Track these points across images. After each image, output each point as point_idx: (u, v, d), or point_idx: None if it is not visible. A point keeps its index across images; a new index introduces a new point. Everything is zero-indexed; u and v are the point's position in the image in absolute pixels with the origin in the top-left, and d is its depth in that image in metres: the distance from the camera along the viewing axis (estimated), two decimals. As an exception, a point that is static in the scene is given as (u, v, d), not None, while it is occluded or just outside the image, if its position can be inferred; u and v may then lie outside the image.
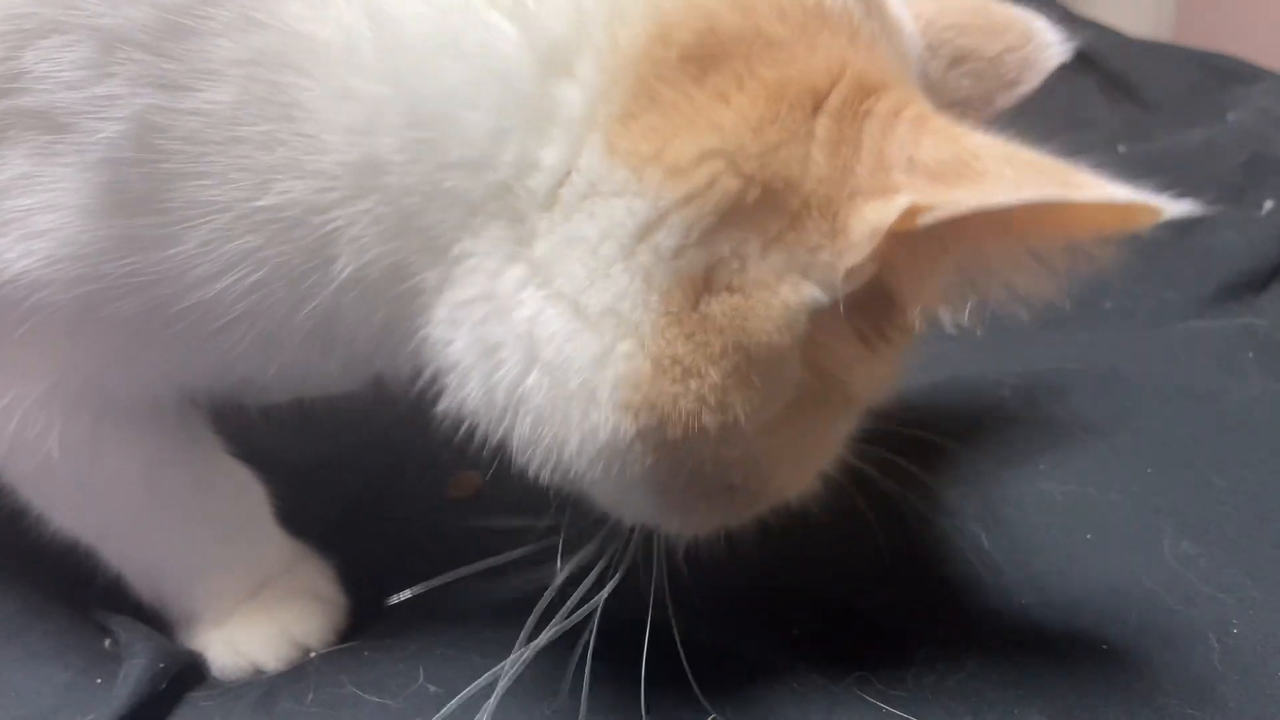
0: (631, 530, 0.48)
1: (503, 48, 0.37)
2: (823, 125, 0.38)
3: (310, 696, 0.51)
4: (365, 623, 0.56)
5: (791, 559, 0.56)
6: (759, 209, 0.38)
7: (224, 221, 0.38)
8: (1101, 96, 1.14)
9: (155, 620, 0.55)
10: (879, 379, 0.44)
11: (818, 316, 0.39)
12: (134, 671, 0.50)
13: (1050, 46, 0.52)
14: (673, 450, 0.39)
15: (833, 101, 0.38)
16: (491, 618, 0.55)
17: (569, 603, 0.48)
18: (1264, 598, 0.50)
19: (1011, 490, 0.59)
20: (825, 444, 0.46)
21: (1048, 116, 1.11)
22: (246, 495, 0.55)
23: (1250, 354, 0.67)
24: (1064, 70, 1.20)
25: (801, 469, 0.45)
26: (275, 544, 0.57)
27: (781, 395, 0.40)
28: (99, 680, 0.53)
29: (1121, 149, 0.92)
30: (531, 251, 0.38)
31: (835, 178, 0.37)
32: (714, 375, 0.38)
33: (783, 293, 0.38)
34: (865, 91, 0.38)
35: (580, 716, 0.48)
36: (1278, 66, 1.15)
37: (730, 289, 0.38)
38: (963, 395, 0.67)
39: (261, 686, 0.53)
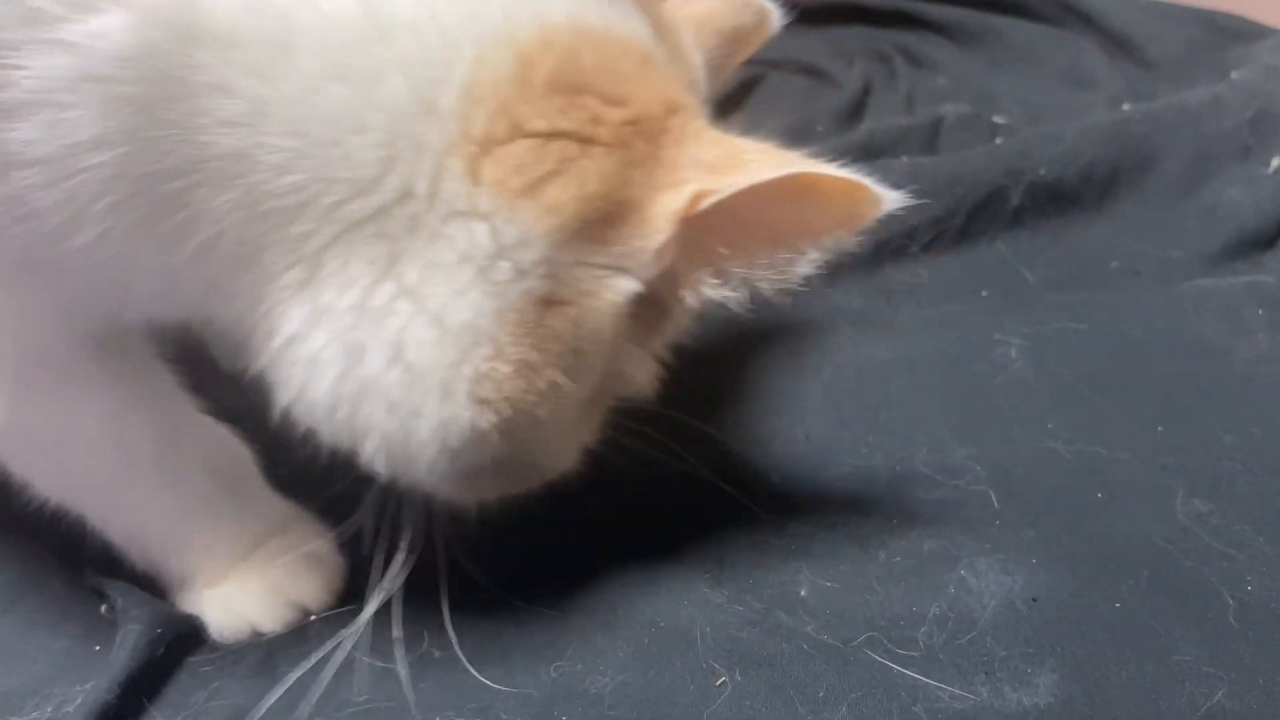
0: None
1: (387, 78, 0.40)
2: (639, 146, 0.43)
3: (313, 660, 0.51)
4: (366, 586, 0.55)
5: (799, 520, 0.56)
6: (595, 225, 0.43)
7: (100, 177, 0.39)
8: (1103, 56, 1.12)
9: (152, 585, 0.55)
10: (649, 374, 0.51)
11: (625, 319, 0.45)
12: (131, 636, 0.49)
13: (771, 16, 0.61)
14: (510, 437, 0.44)
15: (646, 124, 0.43)
16: (492, 584, 0.54)
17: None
18: (1277, 554, 0.50)
19: (1019, 450, 0.58)
20: (594, 423, 0.51)
21: (1050, 78, 1.11)
22: (227, 454, 0.54)
23: (1259, 311, 0.66)
24: (1065, 31, 1.20)
25: (576, 445, 0.50)
26: (265, 504, 0.56)
27: (591, 384, 0.47)
28: (97, 647, 0.52)
29: (1126, 107, 0.91)
30: (401, 271, 0.42)
31: (645, 185, 0.43)
32: (554, 374, 0.43)
33: (608, 294, 0.44)
34: (668, 113, 0.44)
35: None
36: (1280, 24, 1.14)
37: (567, 301, 0.43)
38: (969, 354, 0.66)
39: (262, 649, 0.52)
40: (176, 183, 0.39)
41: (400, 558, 0.52)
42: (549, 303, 0.43)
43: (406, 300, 0.42)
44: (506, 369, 0.42)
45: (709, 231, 0.43)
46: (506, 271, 0.42)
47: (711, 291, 0.45)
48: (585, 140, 0.42)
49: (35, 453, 0.50)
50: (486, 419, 0.43)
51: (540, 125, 0.41)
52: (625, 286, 0.44)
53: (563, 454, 0.49)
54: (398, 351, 0.42)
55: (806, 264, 0.45)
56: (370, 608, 0.50)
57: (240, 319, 0.45)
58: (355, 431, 0.44)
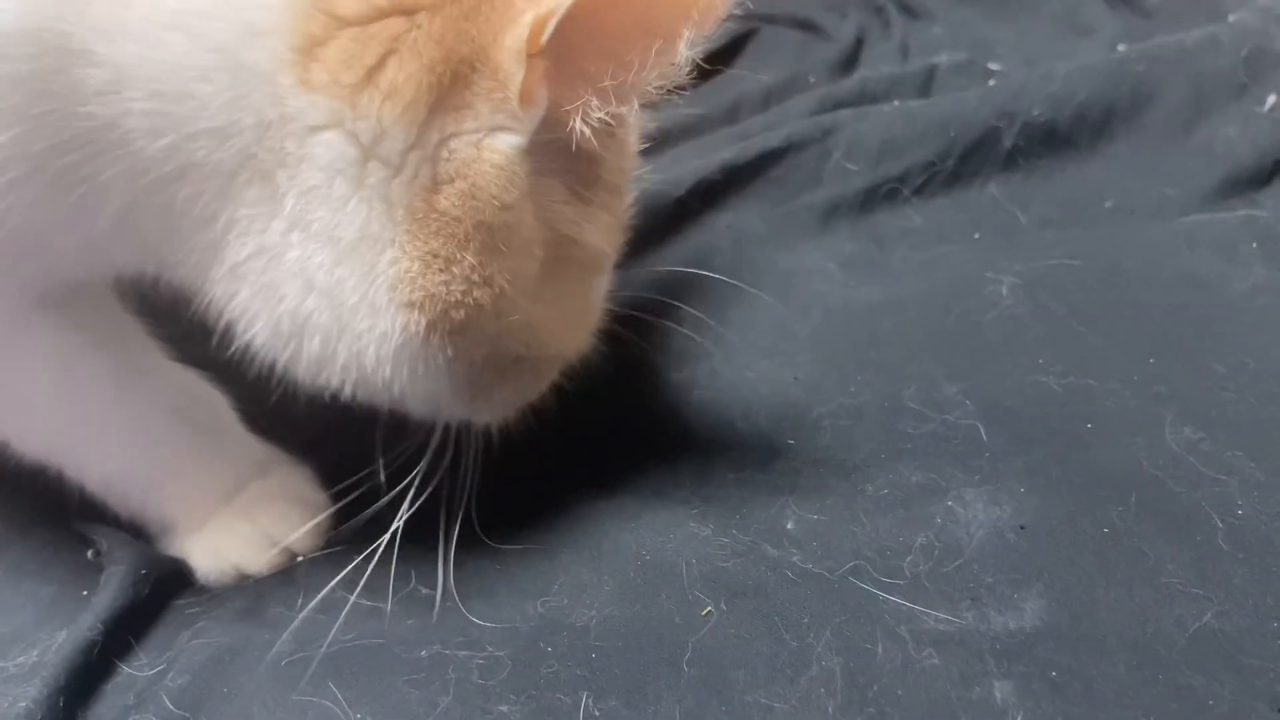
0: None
1: (212, 14, 0.39)
2: None
3: (300, 601, 0.51)
4: (353, 529, 0.55)
5: (786, 457, 0.55)
6: (449, 92, 0.41)
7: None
8: (1101, 3, 1.11)
9: (139, 532, 0.55)
10: (608, 230, 0.49)
11: (534, 179, 0.43)
12: (115, 577, 0.49)
13: None
14: (463, 334, 0.43)
15: None
16: (480, 523, 0.54)
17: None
18: (1268, 479, 0.49)
19: (1010, 384, 0.58)
20: (587, 301, 0.51)
21: (1046, 25, 1.09)
22: (197, 399, 0.54)
23: (1253, 244, 0.65)
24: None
25: (573, 327, 0.50)
26: (243, 447, 0.56)
27: (531, 256, 0.45)
28: (84, 592, 0.52)
29: (1121, 48, 0.90)
30: (284, 204, 0.41)
31: (484, 33, 0.41)
32: (470, 256, 0.42)
33: (490, 156, 0.42)
34: None
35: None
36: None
37: (453, 178, 0.42)
38: (960, 293, 0.65)
39: (249, 592, 0.52)
40: (70, 157, 0.39)
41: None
42: (435, 187, 0.41)
43: (296, 231, 0.41)
44: (415, 266, 0.41)
45: (573, 54, 0.41)
46: (377, 171, 0.41)
47: (601, 113, 0.42)
48: (407, 10, 0.41)
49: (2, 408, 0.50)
50: (418, 322, 0.42)
51: (355, 10, 0.40)
52: (505, 143, 0.42)
53: (554, 336, 0.48)
54: (307, 282, 0.42)
55: (686, 55, 0.41)
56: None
57: (183, 282, 0.45)
58: (315, 369, 0.44)
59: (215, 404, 0.55)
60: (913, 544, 0.48)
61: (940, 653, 0.43)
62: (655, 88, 0.43)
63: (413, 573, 0.51)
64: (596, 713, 0.43)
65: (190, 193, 0.41)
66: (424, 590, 0.51)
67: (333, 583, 0.51)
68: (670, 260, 0.73)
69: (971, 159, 0.78)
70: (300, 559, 0.54)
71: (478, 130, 0.42)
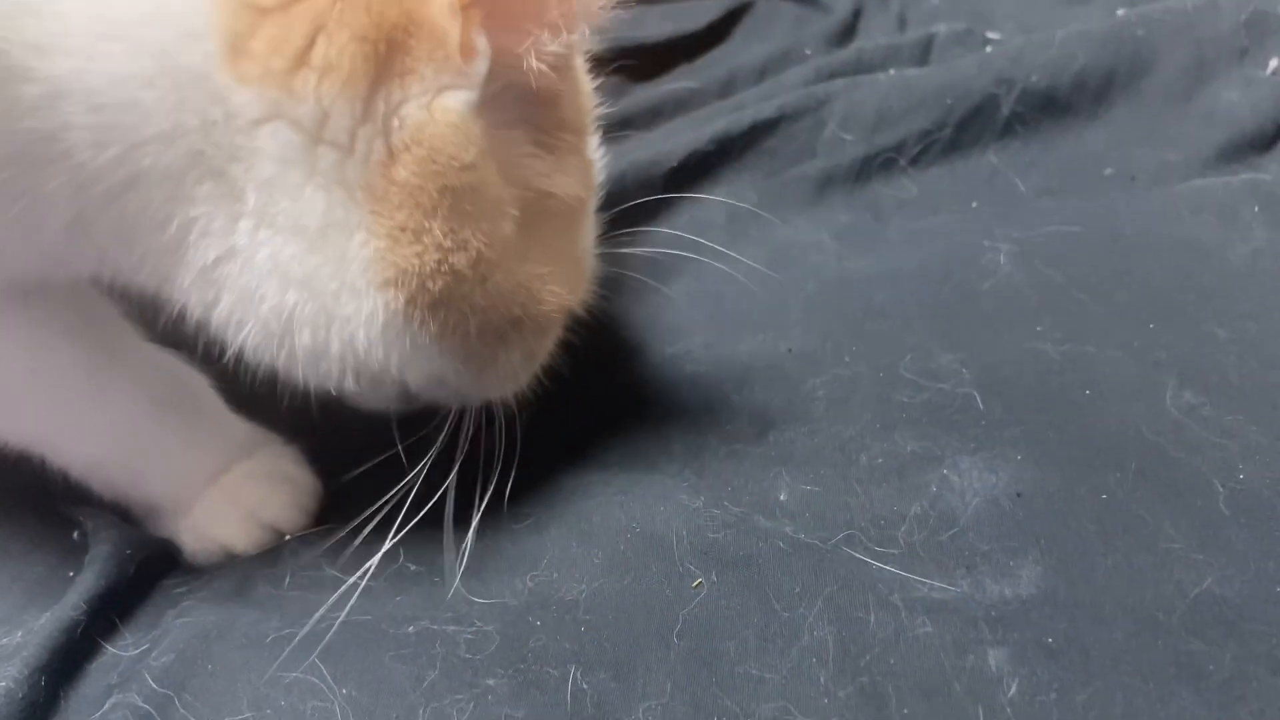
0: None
1: (148, 21, 0.39)
2: None
3: (287, 580, 0.50)
4: (340, 507, 0.55)
5: (780, 428, 0.54)
6: (388, 60, 0.40)
7: None
8: (1100, -30, 1.09)
9: (126, 515, 0.54)
10: (579, 173, 0.48)
11: (493, 134, 0.42)
12: (99, 557, 0.49)
13: None
14: (446, 304, 0.42)
15: None
16: (468, 500, 0.53)
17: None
18: (1270, 443, 0.48)
19: (1008, 353, 0.57)
20: (575, 249, 0.50)
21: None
22: (177, 381, 0.53)
23: (1255, 208, 0.64)
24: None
25: (566, 278, 0.48)
26: (227, 428, 0.55)
27: (503, 214, 0.43)
28: (71, 574, 0.52)
29: (1120, 13, 0.88)
30: (245, 202, 0.41)
31: None
32: (438, 224, 0.41)
33: (442, 117, 0.41)
34: None
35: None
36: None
37: (408, 146, 0.40)
38: (957, 263, 0.64)
39: (236, 571, 0.51)
40: (7, 173, 0.39)
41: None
42: (391, 159, 0.41)
43: (264, 228, 0.41)
44: (384, 243, 0.41)
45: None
46: (328, 154, 0.40)
47: (556, 46, 0.42)
48: None
49: None
50: (399, 299, 0.41)
51: None
52: (455, 101, 0.41)
53: (548, 292, 0.47)
54: (284, 277, 0.41)
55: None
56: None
57: (147, 287, 0.45)
58: (312, 363, 0.44)
59: (196, 385, 0.54)
60: (907, 513, 0.48)
61: (934, 621, 0.42)
62: (601, 7, 0.42)
63: (400, 549, 0.51)
64: (585, 686, 0.42)
65: (142, 199, 0.40)
66: (412, 567, 0.50)
67: (320, 561, 0.51)
68: (662, 235, 0.72)
69: (969, 127, 0.76)
70: (288, 538, 0.53)
71: (425, 93, 0.41)
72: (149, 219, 0.41)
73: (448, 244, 0.41)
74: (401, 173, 0.41)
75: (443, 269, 0.41)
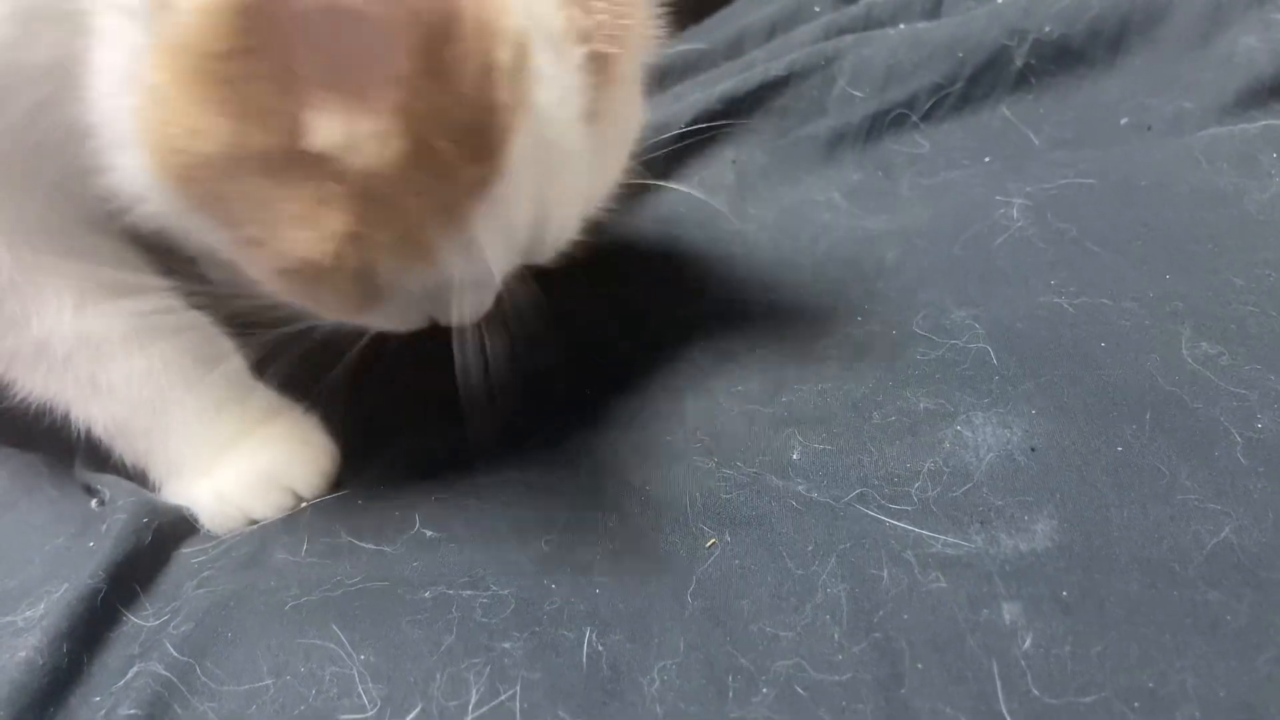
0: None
1: None
2: None
3: (305, 547, 0.51)
4: (358, 474, 0.55)
5: (791, 390, 0.54)
6: None
7: None
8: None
9: (144, 482, 0.55)
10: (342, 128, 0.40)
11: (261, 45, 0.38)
12: (117, 525, 0.49)
13: None
14: (191, 182, 0.40)
15: None
16: (484, 465, 0.54)
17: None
18: (1289, 392, 0.48)
19: (1020, 307, 0.56)
20: (326, 203, 0.41)
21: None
22: (210, 341, 0.54)
23: (1273, 154, 0.63)
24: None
25: (318, 228, 0.41)
26: (250, 393, 0.56)
27: (265, 126, 0.38)
28: (91, 544, 0.52)
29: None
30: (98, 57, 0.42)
31: None
32: (181, 96, 0.38)
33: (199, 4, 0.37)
34: None
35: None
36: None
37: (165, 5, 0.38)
38: (969, 218, 0.64)
39: (254, 539, 0.52)
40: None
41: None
42: (163, 17, 0.38)
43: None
44: (147, 102, 0.39)
45: None
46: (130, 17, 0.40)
47: None
48: None
49: (12, 346, 0.50)
50: (152, 161, 0.40)
51: None
52: None
53: (289, 231, 0.41)
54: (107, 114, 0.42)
55: None
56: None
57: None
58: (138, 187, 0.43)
59: (224, 350, 0.55)
60: (920, 470, 0.47)
61: (947, 576, 0.42)
62: None
63: (417, 516, 0.51)
64: (600, 647, 0.42)
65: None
66: (428, 533, 0.50)
67: (337, 527, 0.51)
68: (672, 195, 0.72)
69: (981, 80, 0.75)
70: (305, 504, 0.54)
71: None
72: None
73: (191, 124, 0.38)
74: (166, 33, 0.38)
75: (188, 148, 0.39)
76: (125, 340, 0.52)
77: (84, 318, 0.50)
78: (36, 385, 0.52)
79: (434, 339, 0.64)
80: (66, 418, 0.53)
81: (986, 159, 0.72)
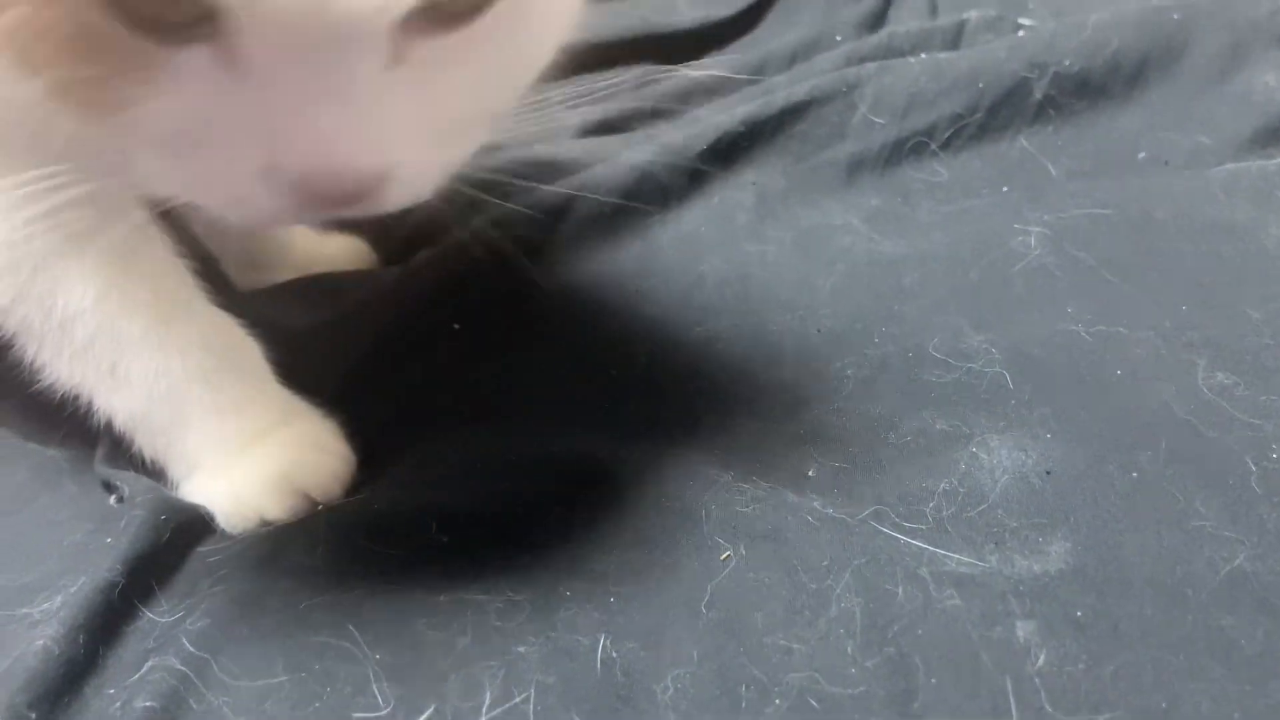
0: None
1: None
2: None
3: (320, 549, 0.51)
4: (374, 478, 0.55)
5: (809, 407, 0.55)
6: None
7: None
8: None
9: (162, 478, 0.55)
10: None
11: None
12: (135, 521, 0.50)
13: None
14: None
15: None
16: (501, 472, 0.54)
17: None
18: (1304, 423, 0.48)
19: (1037, 333, 0.56)
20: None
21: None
22: (233, 341, 0.55)
23: (1291, 191, 0.64)
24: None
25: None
26: (271, 395, 0.56)
27: None
28: (108, 539, 0.52)
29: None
30: None
31: None
32: None
33: None
34: None
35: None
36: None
37: None
38: (987, 244, 0.64)
39: (270, 540, 0.52)
40: None
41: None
42: None
43: None
44: None
45: None
46: None
47: None
48: None
49: (40, 327, 0.50)
50: None
51: None
52: None
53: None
54: None
55: None
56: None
57: None
58: None
59: (249, 350, 0.56)
60: (936, 489, 0.48)
61: (962, 594, 0.42)
62: None
63: (432, 521, 0.51)
64: (614, 655, 0.43)
65: None
66: (444, 538, 0.51)
67: (352, 530, 0.52)
68: (693, 217, 0.73)
69: (1000, 111, 0.76)
70: (321, 507, 0.54)
71: None
72: None
73: None
74: None
75: None
76: (146, 332, 0.52)
77: (106, 305, 0.50)
78: (61, 371, 0.52)
79: (451, 344, 0.65)
80: (90, 410, 0.53)
81: (1005, 188, 0.72)
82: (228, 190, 0.37)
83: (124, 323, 0.51)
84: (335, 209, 0.37)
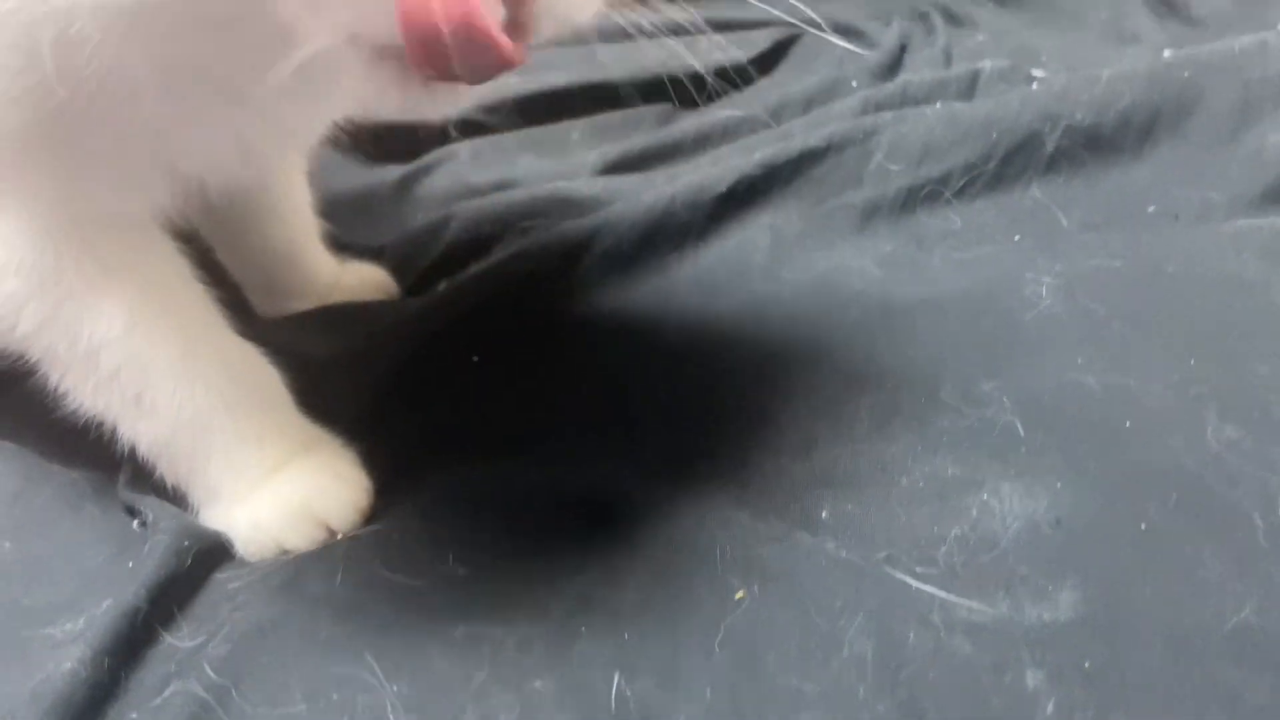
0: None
1: None
2: None
3: (339, 578, 0.52)
4: (392, 509, 0.56)
5: (822, 447, 0.56)
6: None
7: None
8: (1147, 13, 1.10)
9: (183, 503, 0.56)
10: None
11: None
12: (159, 547, 0.51)
13: None
14: None
15: None
16: (518, 505, 0.55)
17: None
18: (1311, 478, 0.49)
19: (1048, 382, 0.57)
20: None
21: (1092, 34, 1.09)
22: (256, 370, 0.56)
23: (1299, 248, 0.65)
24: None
25: None
26: (293, 423, 0.57)
27: None
28: (130, 564, 0.53)
29: (1166, 54, 0.89)
30: None
31: None
32: None
33: None
34: None
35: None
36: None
37: None
38: (999, 292, 0.65)
39: (289, 568, 0.53)
40: None
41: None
42: None
43: None
44: None
45: None
46: None
47: None
48: None
49: (66, 355, 0.52)
50: None
51: None
52: None
53: None
54: None
55: None
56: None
57: None
58: None
59: (271, 380, 0.57)
60: (947, 535, 0.48)
61: (972, 640, 0.43)
62: None
63: (450, 554, 0.52)
64: (628, 692, 0.43)
65: None
66: (461, 570, 0.51)
67: (371, 560, 0.53)
68: (710, 257, 0.74)
69: (1013, 161, 0.77)
70: (340, 536, 0.55)
71: None
72: None
73: None
74: None
75: None
76: (172, 363, 0.53)
77: (134, 335, 0.52)
78: (87, 397, 0.54)
79: (470, 376, 0.66)
80: (114, 434, 0.54)
81: (1017, 237, 0.74)
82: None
83: (151, 353, 0.53)
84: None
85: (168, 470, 0.56)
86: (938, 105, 0.84)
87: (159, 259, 0.55)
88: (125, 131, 0.47)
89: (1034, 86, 0.87)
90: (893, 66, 1.05)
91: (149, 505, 0.56)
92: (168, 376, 0.53)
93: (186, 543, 0.53)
